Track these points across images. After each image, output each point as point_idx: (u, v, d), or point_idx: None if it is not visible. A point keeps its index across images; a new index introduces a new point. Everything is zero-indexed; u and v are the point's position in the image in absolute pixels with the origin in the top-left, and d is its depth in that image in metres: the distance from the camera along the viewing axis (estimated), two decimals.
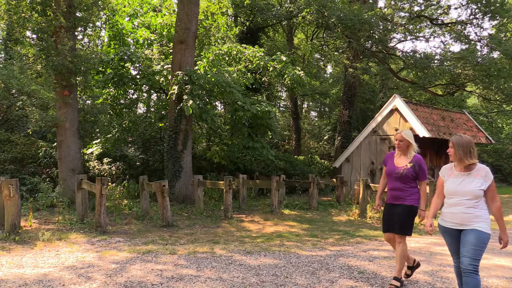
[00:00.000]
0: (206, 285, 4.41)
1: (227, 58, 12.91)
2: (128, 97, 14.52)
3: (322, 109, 30.90)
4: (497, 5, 16.30)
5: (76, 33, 10.62)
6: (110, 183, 11.75)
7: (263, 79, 14.21)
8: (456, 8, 19.24)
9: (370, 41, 17.56)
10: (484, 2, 16.56)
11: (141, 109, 18.54)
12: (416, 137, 12.64)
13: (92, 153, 13.08)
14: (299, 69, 13.21)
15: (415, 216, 4.38)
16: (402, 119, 12.74)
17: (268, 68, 12.82)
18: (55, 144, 10.94)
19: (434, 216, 3.86)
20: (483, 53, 16.99)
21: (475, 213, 3.50)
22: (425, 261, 5.65)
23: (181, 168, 10.93)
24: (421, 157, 4.46)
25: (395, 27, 17.81)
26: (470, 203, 3.51)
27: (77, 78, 10.27)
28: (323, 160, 19.71)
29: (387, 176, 4.53)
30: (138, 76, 13.42)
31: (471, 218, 3.50)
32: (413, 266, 4.68)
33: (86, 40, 13.38)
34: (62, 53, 9.31)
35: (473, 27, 17.86)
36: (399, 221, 4.32)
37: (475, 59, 15.85)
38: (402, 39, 19.38)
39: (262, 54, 12.90)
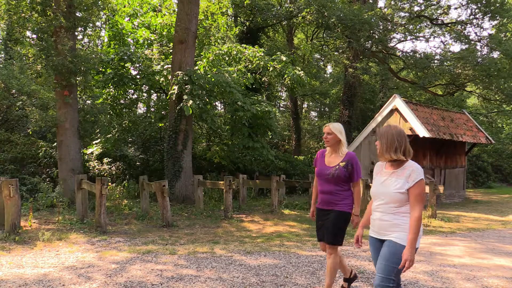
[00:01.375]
0: (206, 285, 4.41)
1: (227, 58, 12.91)
2: (128, 97, 14.52)
3: (322, 109, 30.89)
4: (497, 5, 16.32)
5: (76, 33, 10.62)
6: (110, 183, 11.76)
7: (263, 79, 14.21)
8: (456, 8, 19.28)
9: (370, 41, 17.57)
10: (484, 2, 16.58)
11: (141, 109, 18.56)
12: (416, 137, 12.72)
13: (92, 153, 13.09)
14: (299, 69, 13.22)
15: (348, 223, 3.84)
16: (402, 119, 12.74)
17: (268, 68, 12.82)
18: (55, 144, 10.94)
19: (365, 225, 3.24)
20: (483, 53, 17.01)
21: (393, 220, 2.85)
22: (425, 261, 5.65)
23: (181, 168, 10.93)
24: (355, 154, 3.90)
25: (395, 27, 17.82)
26: (388, 208, 2.87)
27: (77, 78, 10.27)
28: None
29: (317, 178, 3.96)
30: (138, 76, 13.43)
31: (388, 226, 2.87)
32: (350, 278, 4.17)
33: (86, 40, 13.41)
34: (62, 53, 9.32)
35: (473, 27, 17.90)
36: (330, 229, 3.78)
37: (475, 59, 15.86)
38: (402, 39, 19.41)
39: (262, 54, 12.91)
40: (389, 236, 2.84)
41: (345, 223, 3.81)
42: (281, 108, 29.03)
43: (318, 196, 3.94)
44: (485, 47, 17.32)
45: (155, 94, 16.08)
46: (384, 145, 2.93)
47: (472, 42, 17.40)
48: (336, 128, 3.82)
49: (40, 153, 11.52)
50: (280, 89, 23.00)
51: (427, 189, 9.77)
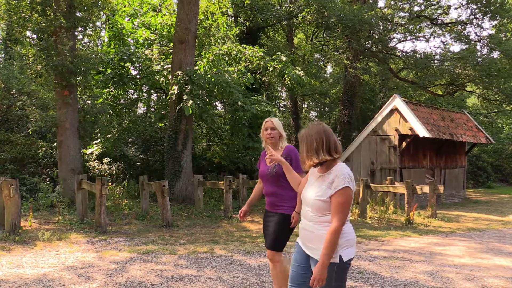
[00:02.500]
0: (206, 285, 4.41)
1: (227, 58, 12.91)
2: (128, 97, 14.52)
3: (322, 109, 30.89)
4: (497, 5, 16.32)
5: (76, 33, 10.62)
6: (110, 183, 11.76)
7: (263, 79, 14.21)
8: (456, 8, 19.27)
9: (370, 41, 17.58)
10: (484, 2, 16.58)
11: (141, 109, 18.55)
12: (416, 137, 12.70)
13: (92, 153, 13.09)
14: (299, 69, 13.22)
15: (288, 225, 3.45)
16: (402, 119, 12.75)
17: (268, 68, 12.82)
18: (55, 144, 10.94)
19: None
20: (483, 53, 17.02)
21: (315, 231, 2.50)
22: (425, 261, 5.65)
23: (181, 168, 10.93)
24: (293, 147, 3.52)
25: (395, 27, 17.82)
26: (311, 217, 2.53)
27: (77, 78, 10.27)
28: None
29: (260, 179, 3.61)
30: (138, 76, 13.43)
31: (311, 238, 2.53)
32: None
33: (86, 40, 13.40)
34: (62, 53, 9.31)
35: (473, 27, 17.91)
36: (270, 232, 3.46)
37: (475, 59, 15.87)
38: (402, 39, 19.41)
39: (262, 54, 12.91)
40: (316, 255, 2.47)
41: (287, 226, 3.44)
42: (281, 108, 29.02)
43: (265, 198, 3.59)
44: (485, 47, 17.33)
45: (155, 94, 16.08)
46: (304, 151, 2.55)
47: (472, 42, 17.41)
48: (278, 123, 3.53)
49: (40, 153, 11.52)
50: (280, 89, 22.99)
51: (426, 189, 9.76)
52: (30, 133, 12.41)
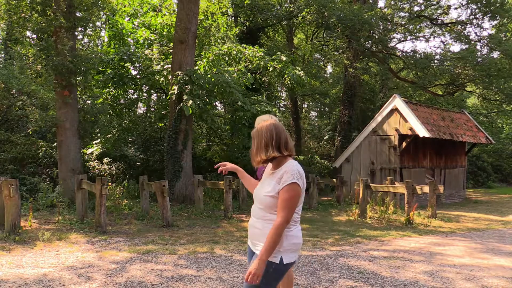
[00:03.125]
0: (206, 285, 4.41)
1: (227, 58, 12.92)
2: (128, 97, 14.52)
3: (322, 109, 30.88)
4: (497, 5, 16.31)
5: (76, 33, 10.62)
6: (110, 183, 11.75)
7: (263, 79, 14.21)
8: (456, 8, 19.27)
9: (370, 41, 17.57)
10: (484, 2, 16.58)
11: (141, 109, 18.55)
12: (416, 137, 12.70)
13: (92, 153, 13.09)
14: (299, 69, 13.21)
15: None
16: (402, 119, 12.75)
17: (268, 68, 12.82)
18: (55, 144, 10.94)
19: (234, 169, 2.94)
20: (483, 53, 17.01)
21: (263, 229, 2.42)
22: (425, 261, 5.65)
23: (181, 168, 10.93)
24: None
25: (395, 27, 17.82)
26: (260, 214, 2.48)
27: (77, 78, 10.27)
28: (323, 160, 19.70)
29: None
30: (138, 76, 13.43)
31: (258, 236, 2.46)
32: None
33: (86, 40, 13.42)
34: (62, 53, 9.32)
35: (473, 27, 17.90)
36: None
37: (475, 59, 15.86)
38: (402, 39, 19.40)
39: (262, 54, 12.91)
40: (258, 249, 2.42)
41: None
42: (281, 108, 29.02)
43: None
44: (485, 47, 17.33)
45: (155, 94, 16.08)
46: (253, 148, 2.50)
47: (472, 42, 17.40)
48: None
49: (40, 153, 11.52)
50: (280, 89, 22.99)
51: (426, 189, 9.76)
52: (30, 133, 12.42)
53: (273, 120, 2.57)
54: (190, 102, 10.02)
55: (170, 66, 11.81)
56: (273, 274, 2.37)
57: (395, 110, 12.95)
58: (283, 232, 2.33)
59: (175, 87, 10.48)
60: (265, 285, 2.36)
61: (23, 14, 9.44)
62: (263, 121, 2.56)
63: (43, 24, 9.41)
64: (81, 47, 11.66)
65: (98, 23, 15.45)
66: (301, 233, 2.51)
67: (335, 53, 22.19)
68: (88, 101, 13.14)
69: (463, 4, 18.05)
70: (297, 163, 2.47)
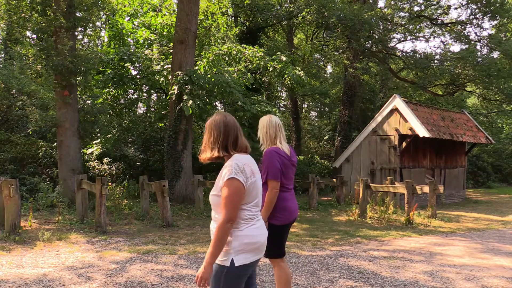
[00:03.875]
0: None
1: (227, 58, 12.92)
2: (128, 97, 14.52)
3: (322, 109, 30.89)
4: (497, 5, 16.31)
5: (76, 33, 10.62)
6: (110, 183, 11.75)
7: (263, 79, 14.20)
8: (456, 8, 19.27)
9: (370, 41, 17.57)
10: (484, 2, 16.57)
11: (141, 109, 18.56)
12: (416, 137, 12.69)
13: (92, 153, 13.09)
14: (299, 69, 13.21)
15: (274, 233, 3.29)
16: (402, 119, 12.74)
17: (268, 68, 12.82)
18: (55, 144, 10.94)
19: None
20: (483, 53, 17.01)
21: (214, 230, 2.28)
22: (425, 261, 5.65)
23: (181, 168, 10.93)
24: (272, 149, 3.31)
25: (395, 27, 17.81)
26: (213, 215, 2.34)
27: (77, 78, 10.27)
28: (323, 160, 19.71)
29: None
30: (138, 76, 13.43)
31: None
32: None
33: (86, 40, 13.41)
34: (62, 53, 9.32)
35: (473, 27, 17.89)
36: None
37: (475, 59, 15.86)
38: (402, 39, 19.41)
39: (262, 54, 12.91)
40: None
41: (275, 236, 3.31)
42: (281, 108, 29.03)
43: None
44: (485, 47, 17.32)
45: (155, 94, 16.08)
46: (202, 143, 2.36)
47: (472, 42, 17.40)
48: (259, 128, 3.48)
49: (40, 153, 11.51)
50: (280, 89, 23.00)
51: (426, 189, 9.76)
52: (30, 133, 12.42)
53: (225, 116, 2.38)
54: (190, 102, 10.02)
55: (170, 66, 11.81)
56: (228, 278, 2.20)
57: (395, 110, 12.95)
58: (227, 232, 2.16)
59: (175, 87, 10.48)
60: None
61: (23, 14, 9.44)
62: (217, 114, 2.41)
63: (43, 24, 9.41)
64: (81, 47, 11.65)
65: (98, 23, 15.46)
66: (259, 232, 2.30)
67: (335, 53, 22.18)
68: (88, 101, 13.14)
69: (463, 4, 18.06)
70: (240, 157, 2.28)
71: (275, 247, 3.39)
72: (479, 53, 16.74)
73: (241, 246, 2.22)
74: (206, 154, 2.33)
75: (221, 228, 2.15)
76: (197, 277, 2.18)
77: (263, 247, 2.34)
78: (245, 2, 16.93)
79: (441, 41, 25.04)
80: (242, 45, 13.28)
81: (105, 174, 12.61)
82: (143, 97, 15.81)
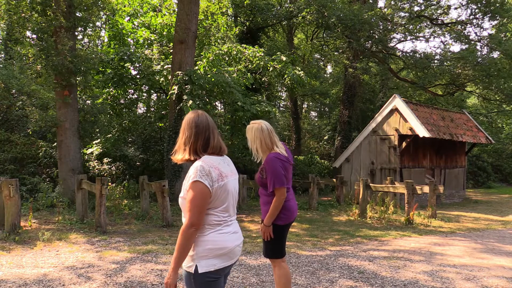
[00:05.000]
0: None
1: (227, 58, 12.91)
2: (128, 97, 14.52)
3: (322, 109, 30.91)
4: (497, 5, 16.32)
5: (76, 33, 10.62)
6: (110, 183, 11.75)
7: (263, 79, 14.21)
8: (456, 8, 19.24)
9: (370, 41, 17.57)
10: (484, 2, 16.57)
11: (141, 109, 18.56)
12: (416, 137, 12.69)
13: (92, 153, 13.09)
14: (299, 69, 13.21)
15: (275, 234, 3.40)
16: (402, 119, 12.74)
17: (268, 68, 12.82)
18: (55, 144, 10.94)
19: None
20: (483, 53, 17.01)
21: None
22: (425, 261, 5.65)
23: (181, 168, 10.93)
24: (272, 156, 3.32)
25: (395, 27, 17.81)
26: (182, 219, 2.23)
27: (77, 78, 10.27)
28: (323, 160, 19.70)
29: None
30: (138, 76, 13.42)
31: None
32: None
33: (86, 40, 13.40)
34: (62, 53, 9.32)
35: (473, 27, 17.89)
36: (263, 241, 3.51)
37: (475, 59, 15.86)
38: (402, 39, 19.39)
39: (262, 54, 12.91)
40: None
41: (275, 237, 3.39)
42: (281, 108, 29.03)
43: None
44: (485, 47, 17.32)
45: (155, 94, 16.08)
46: (176, 143, 2.30)
47: (472, 42, 17.40)
48: (250, 136, 3.46)
49: (40, 153, 11.51)
50: (280, 89, 23.00)
51: (426, 189, 9.76)
52: (30, 133, 12.41)
53: (195, 114, 2.27)
54: (190, 102, 10.02)
55: (170, 66, 11.81)
56: (197, 285, 2.13)
57: (395, 110, 12.95)
58: (190, 237, 2.08)
59: (175, 87, 10.48)
60: None
61: (23, 14, 9.44)
62: (192, 112, 2.30)
63: (43, 24, 9.41)
64: (81, 47, 11.65)
65: (98, 23, 15.44)
66: (227, 237, 2.19)
67: (335, 53, 22.19)
68: (88, 101, 13.14)
69: (463, 4, 18.06)
70: (210, 159, 2.20)
71: (277, 247, 3.41)
72: (479, 53, 16.74)
73: (205, 252, 2.13)
74: (179, 155, 2.25)
75: (184, 232, 2.07)
76: (165, 283, 2.14)
77: (233, 253, 2.23)
78: (245, 2, 16.93)
79: (441, 41, 25.05)
80: (242, 45, 13.28)
81: (105, 174, 12.61)
82: (143, 97, 15.81)
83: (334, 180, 12.72)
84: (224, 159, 2.31)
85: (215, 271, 2.14)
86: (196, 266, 2.12)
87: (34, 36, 10.67)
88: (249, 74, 13.23)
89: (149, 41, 14.26)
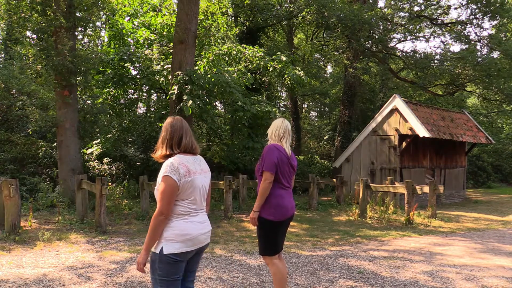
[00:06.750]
0: (206, 285, 4.41)
1: (227, 58, 12.91)
2: (128, 97, 14.52)
3: (322, 109, 30.92)
4: (497, 5, 16.31)
5: (76, 33, 10.61)
6: (110, 183, 11.75)
7: (263, 79, 14.20)
8: (456, 8, 19.26)
9: (370, 41, 17.57)
10: (484, 2, 16.57)
11: (141, 109, 18.55)
12: (416, 137, 12.68)
13: (92, 153, 13.08)
14: (299, 69, 13.21)
15: (267, 230, 3.41)
16: (402, 119, 12.75)
17: (268, 68, 12.81)
18: (55, 144, 10.94)
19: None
20: (483, 53, 17.01)
21: None
22: (425, 261, 5.65)
23: None
24: (271, 145, 3.42)
25: (395, 27, 17.82)
26: None
27: (77, 78, 10.27)
28: (323, 160, 19.71)
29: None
30: (138, 76, 13.42)
31: None
32: None
33: (86, 40, 13.37)
34: (62, 53, 9.31)
35: (473, 27, 17.90)
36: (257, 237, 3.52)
37: (475, 59, 15.86)
38: (402, 39, 19.40)
39: (262, 54, 12.90)
40: None
41: (262, 230, 3.40)
42: (281, 108, 29.03)
43: None
44: (485, 47, 17.33)
45: (155, 94, 16.07)
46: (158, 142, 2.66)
47: (472, 42, 17.40)
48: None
49: (40, 153, 11.51)
50: (280, 89, 23.01)
51: (426, 189, 9.76)
52: (30, 133, 12.41)
53: (172, 118, 2.64)
54: (190, 102, 10.01)
55: (170, 66, 11.80)
56: (161, 265, 2.46)
57: (395, 110, 12.96)
58: (159, 223, 2.43)
59: (175, 87, 10.48)
60: (158, 276, 2.47)
61: (23, 14, 9.44)
62: (169, 117, 2.68)
63: (43, 24, 9.40)
64: (81, 47, 11.63)
65: (98, 23, 15.45)
66: (191, 226, 2.52)
67: (335, 53, 22.19)
68: (88, 101, 13.12)
69: (463, 4, 18.07)
70: (181, 157, 2.54)
71: (268, 244, 3.41)
72: (479, 53, 16.74)
73: (171, 236, 2.46)
74: (158, 152, 2.61)
75: (154, 219, 2.43)
76: (137, 265, 2.49)
77: (197, 240, 2.55)
78: (245, 2, 16.92)
79: (441, 41, 25.08)
80: (242, 45, 13.27)
81: (105, 174, 12.61)
82: (143, 97, 15.80)
83: (334, 180, 12.72)
84: (196, 159, 2.66)
85: (178, 254, 2.47)
86: (162, 247, 2.46)
87: (34, 36, 10.67)
88: (249, 74, 13.22)
89: (149, 41, 14.25)
